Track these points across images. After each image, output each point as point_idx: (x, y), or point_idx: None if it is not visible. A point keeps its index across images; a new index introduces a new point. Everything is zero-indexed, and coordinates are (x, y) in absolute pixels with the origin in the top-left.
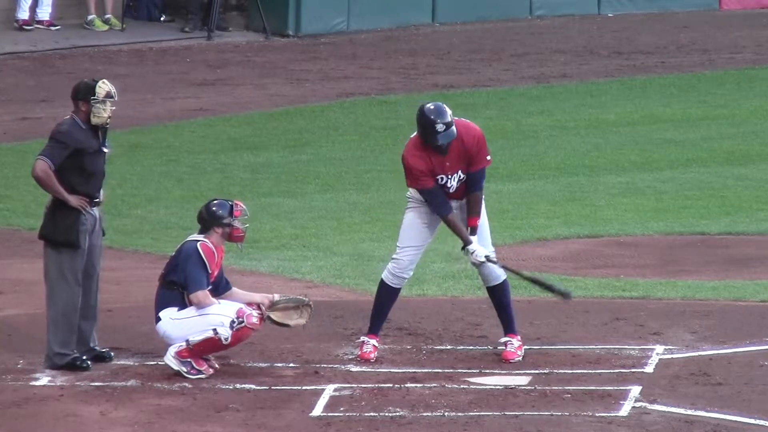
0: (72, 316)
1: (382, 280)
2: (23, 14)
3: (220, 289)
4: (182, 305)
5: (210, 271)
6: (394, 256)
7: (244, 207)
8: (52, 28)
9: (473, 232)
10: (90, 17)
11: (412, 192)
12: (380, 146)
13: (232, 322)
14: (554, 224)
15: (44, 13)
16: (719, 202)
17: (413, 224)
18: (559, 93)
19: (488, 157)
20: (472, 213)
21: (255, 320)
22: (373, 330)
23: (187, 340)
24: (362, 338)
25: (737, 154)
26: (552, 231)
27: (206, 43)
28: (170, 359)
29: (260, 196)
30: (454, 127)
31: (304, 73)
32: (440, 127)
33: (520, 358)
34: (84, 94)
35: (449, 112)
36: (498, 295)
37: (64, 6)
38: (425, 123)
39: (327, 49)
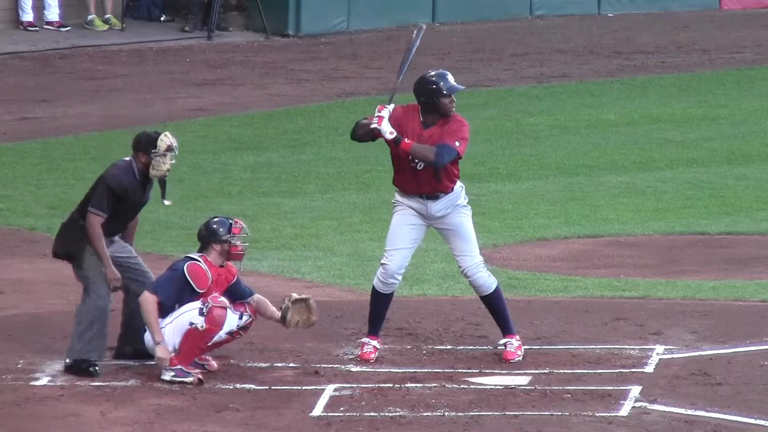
0: (104, 322)
1: (373, 287)
2: (27, 16)
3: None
4: (164, 315)
5: (199, 291)
6: (382, 261)
7: (244, 226)
8: (63, 29)
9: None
10: (90, 17)
11: (398, 196)
12: (380, 146)
13: (201, 309)
14: (554, 224)
15: (53, 14)
16: (719, 202)
17: (400, 226)
18: (559, 93)
19: (457, 143)
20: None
21: (219, 299)
22: (373, 331)
23: (174, 347)
24: (363, 339)
25: (737, 154)
26: (552, 231)
27: (206, 43)
28: (163, 373)
29: (260, 196)
30: (457, 84)
31: (304, 73)
32: (443, 84)
33: (521, 358)
34: (145, 146)
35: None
36: (492, 302)
37: (64, 6)
38: (430, 84)
39: (327, 49)
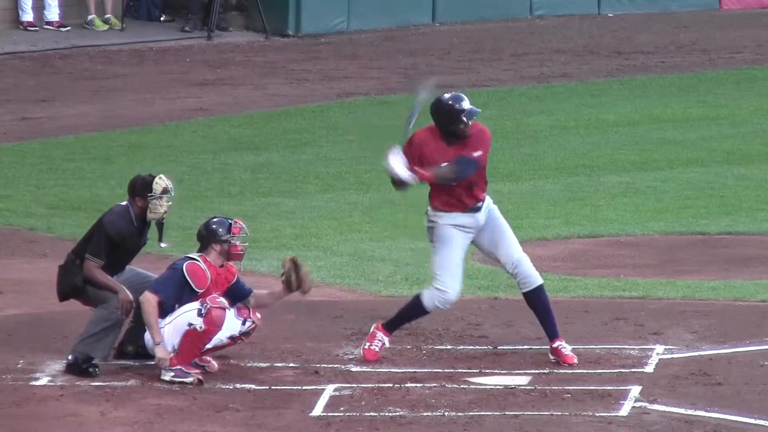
0: (117, 330)
1: (422, 304)
2: (27, 16)
3: (237, 303)
4: (164, 315)
5: (198, 291)
6: (439, 286)
7: (243, 226)
8: (63, 29)
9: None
10: (90, 17)
11: (439, 217)
12: (380, 146)
13: (199, 310)
14: (554, 224)
15: (53, 14)
16: (719, 202)
17: (453, 251)
18: (559, 93)
19: (476, 154)
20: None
21: (218, 299)
22: (392, 329)
23: (173, 348)
24: (378, 333)
25: (737, 154)
26: (552, 231)
27: (206, 43)
28: (163, 373)
29: (260, 196)
30: (474, 107)
31: (304, 73)
32: (459, 107)
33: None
34: (141, 190)
35: (465, 98)
36: (542, 296)
37: (64, 6)
38: (447, 107)
39: (327, 49)
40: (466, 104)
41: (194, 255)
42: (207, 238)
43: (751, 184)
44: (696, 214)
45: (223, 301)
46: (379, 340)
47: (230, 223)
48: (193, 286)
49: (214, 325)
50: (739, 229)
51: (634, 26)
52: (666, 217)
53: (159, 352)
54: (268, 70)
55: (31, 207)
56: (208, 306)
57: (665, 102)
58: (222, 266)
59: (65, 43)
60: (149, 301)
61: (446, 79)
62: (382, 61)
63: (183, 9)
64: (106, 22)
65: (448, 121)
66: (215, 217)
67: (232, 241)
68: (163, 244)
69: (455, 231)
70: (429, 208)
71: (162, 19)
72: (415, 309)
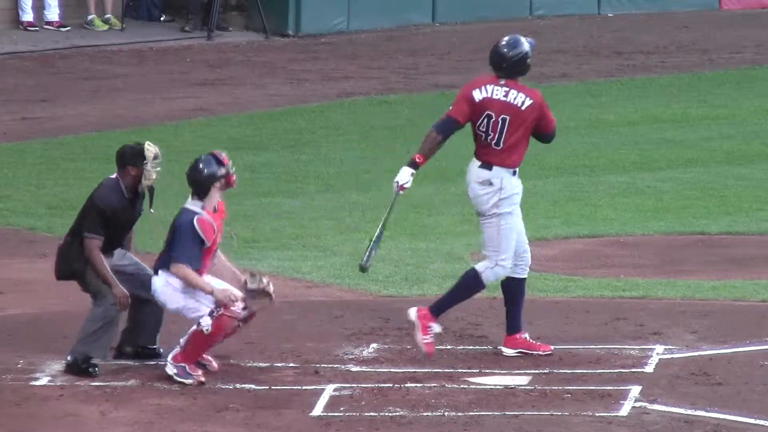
0: (114, 326)
1: (481, 281)
2: (27, 16)
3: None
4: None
5: (208, 244)
6: (501, 262)
7: (224, 153)
8: (63, 29)
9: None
10: (90, 17)
11: (513, 193)
12: (380, 146)
13: (211, 311)
14: (554, 224)
15: (53, 14)
16: (719, 202)
17: (514, 229)
18: (559, 93)
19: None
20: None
21: (234, 308)
22: (439, 313)
23: (179, 343)
24: (426, 322)
25: (737, 154)
26: (552, 231)
27: (206, 43)
28: (167, 366)
29: (260, 196)
30: (529, 41)
31: (304, 73)
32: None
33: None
34: (133, 158)
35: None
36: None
37: (64, 6)
38: (524, 54)
39: (327, 49)
40: (526, 42)
41: (195, 208)
42: (207, 182)
43: (751, 184)
44: (696, 214)
45: (239, 312)
46: (432, 330)
47: (215, 157)
48: (205, 240)
49: (220, 329)
50: (739, 229)
51: (634, 26)
52: (666, 217)
53: (219, 295)
54: (268, 70)
55: (31, 207)
56: (221, 312)
57: (665, 102)
58: (215, 210)
59: (65, 43)
60: (183, 270)
61: (446, 79)
62: (382, 61)
63: (183, 9)
64: (106, 22)
65: (525, 63)
66: (199, 160)
67: (230, 171)
68: (152, 210)
69: (516, 215)
70: (493, 169)
71: (162, 19)
72: (471, 287)
